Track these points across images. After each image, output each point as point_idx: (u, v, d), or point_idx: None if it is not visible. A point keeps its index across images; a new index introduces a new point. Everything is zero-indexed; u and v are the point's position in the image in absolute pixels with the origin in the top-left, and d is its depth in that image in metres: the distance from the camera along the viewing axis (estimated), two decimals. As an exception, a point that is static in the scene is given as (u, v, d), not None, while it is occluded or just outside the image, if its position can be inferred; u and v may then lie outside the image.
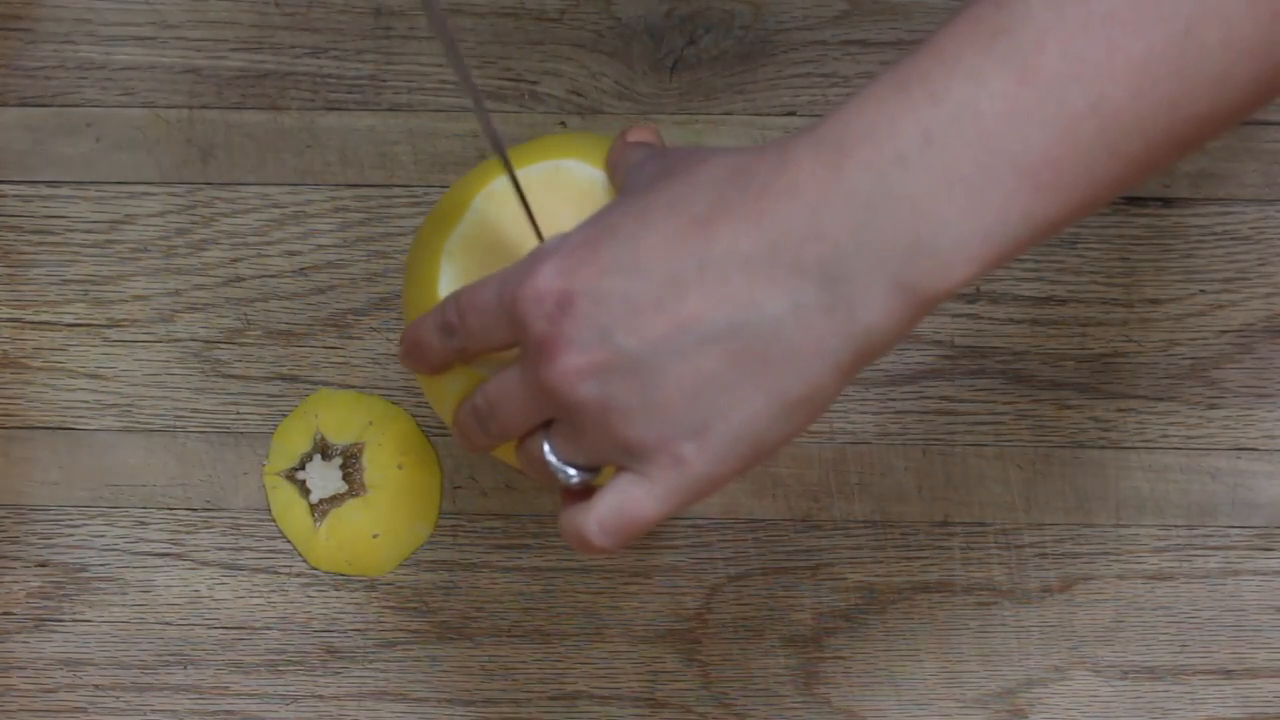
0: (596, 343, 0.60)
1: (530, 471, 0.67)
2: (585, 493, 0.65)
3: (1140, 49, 0.55)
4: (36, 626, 0.90)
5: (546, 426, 0.65)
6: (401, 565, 0.89)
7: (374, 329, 0.89)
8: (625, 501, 0.62)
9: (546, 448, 0.65)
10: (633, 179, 0.66)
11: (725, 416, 0.60)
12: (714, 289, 0.58)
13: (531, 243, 0.70)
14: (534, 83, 0.87)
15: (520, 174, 0.71)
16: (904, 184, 0.56)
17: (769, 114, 0.87)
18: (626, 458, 0.62)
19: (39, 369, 0.90)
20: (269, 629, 0.89)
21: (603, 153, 0.73)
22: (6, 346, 0.90)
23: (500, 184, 0.73)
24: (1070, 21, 0.55)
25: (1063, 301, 0.87)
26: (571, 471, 0.65)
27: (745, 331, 0.59)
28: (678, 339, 0.59)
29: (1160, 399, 0.87)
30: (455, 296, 0.67)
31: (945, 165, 0.56)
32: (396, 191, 0.88)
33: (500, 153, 0.69)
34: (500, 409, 0.66)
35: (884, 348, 0.58)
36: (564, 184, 0.72)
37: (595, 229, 0.62)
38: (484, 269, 0.71)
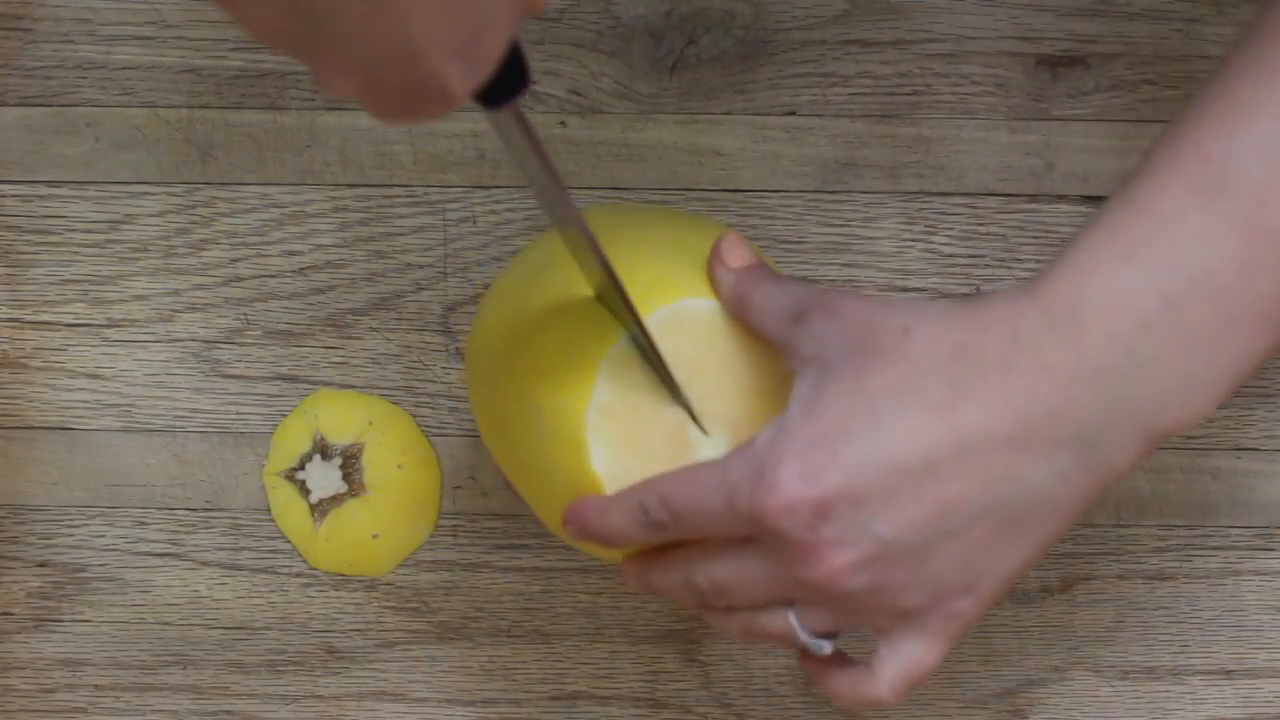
0: (862, 540, 0.61)
1: (755, 640, 0.67)
2: (833, 658, 0.67)
3: None
4: (36, 626, 0.90)
5: (789, 603, 0.65)
6: (401, 565, 0.89)
7: (374, 329, 0.89)
8: (910, 662, 0.65)
9: (796, 625, 0.65)
10: (813, 348, 0.64)
11: (994, 573, 0.63)
12: (976, 472, 0.60)
13: (666, 402, 0.68)
14: (534, 82, 0.87)
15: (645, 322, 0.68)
16: (1149, 349, 0.59)
17: (769, 114, 0.87)
18: (898, 623, 0.64)
19: (39, 369, 0.90)
20: (269, 629, 0.89)
21: (681, 253, 0.70)
22: (6, 346, 0.90)
23: (624, 344, 0.69)
24: None
25: (1063, 301, 0.87)
26: (825, 643, 0.66)
27: (1010, 503, 0.61)
28: (946, 522, 0.61)
29: (1160, 399, 0.87)
30: (660, 494, 0.65)
31: (1187, 327, 0.59)
32: (396, 191, 0.88)
33: (638, 322, 0.67)
34: (734, 593, 0.66)
35: (1124, 478, 0.63)
36: (685, 326, 0.69)
37: (822, 424, 0.62)
38: (629, 435, 0.68)
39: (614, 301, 0.69)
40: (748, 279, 0.68)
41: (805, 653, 0.68)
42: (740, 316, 0.68)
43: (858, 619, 0.65)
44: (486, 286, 0.88)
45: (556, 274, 0.72)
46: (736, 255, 0.69)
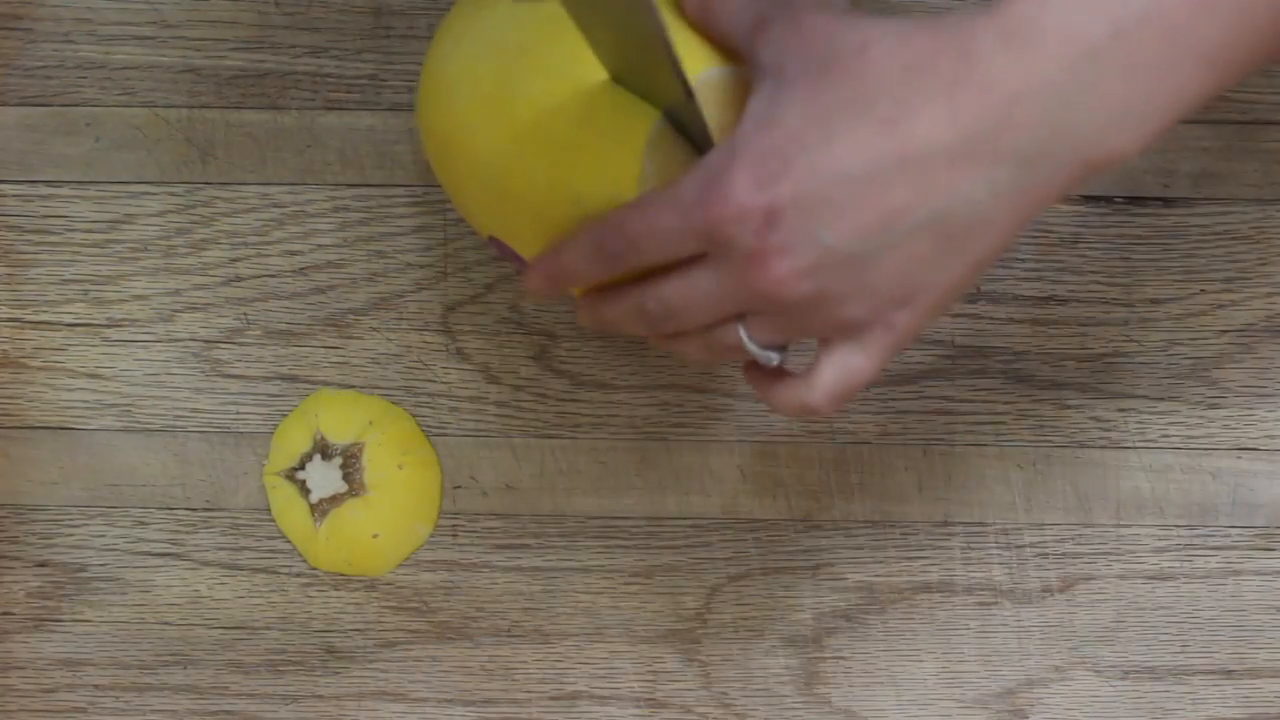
0: (809, 247, 0.63)
1: (705, 355, 0.69)
2: (776, 371, 0.69)
3: None
4: (36, 626, 0.90)
5: (739, 318, 0.67)
6: (401, 565, 0.89)
7: (374, 329, 0.89)
8: (846, 370, 0.67)
9: (745, 336, 0.67)
10: (774, 59, 0.66)
11: (931, 286, 0.65)
12: (917, 182, 0.62)
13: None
14: None
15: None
16: (1094, 76, 0.60)
17: (769, 114, 0.87)
18: (838, 333, 0.66)
19: (39, 369, 0.90)
20: (269, 629, 0.89)
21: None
22: (6, 346, 0.90)
23: (660, 125, 0.69)
24: None
25: (1063, 301, 0.87)
26: (773, 354, 0.68)
27: (948, 216, 0.63)
28: (887, 232, 0.63)
29: (1161, 399, 0.87)
30: (615, 222, 0.67)
31: (1134, 57, 0.60)
32: (396, 191, 0.88)
33: (687, 92, 0.68)
34: (685, 311, 0.67)
35: (1053, 203, 0.65)
36: (712, 95, 0.70)
37: (774, 135, 0.63)
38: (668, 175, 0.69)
39: (641, 79, 0.69)
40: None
41: (750, 366, 0.70)
42: (703, 25, 0.69)
43: (801, 330, 0.67)
44: (488, 287, 0.88)
45: (548, 57, 0.71)
46: None
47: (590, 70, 0.70)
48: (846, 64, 0.63)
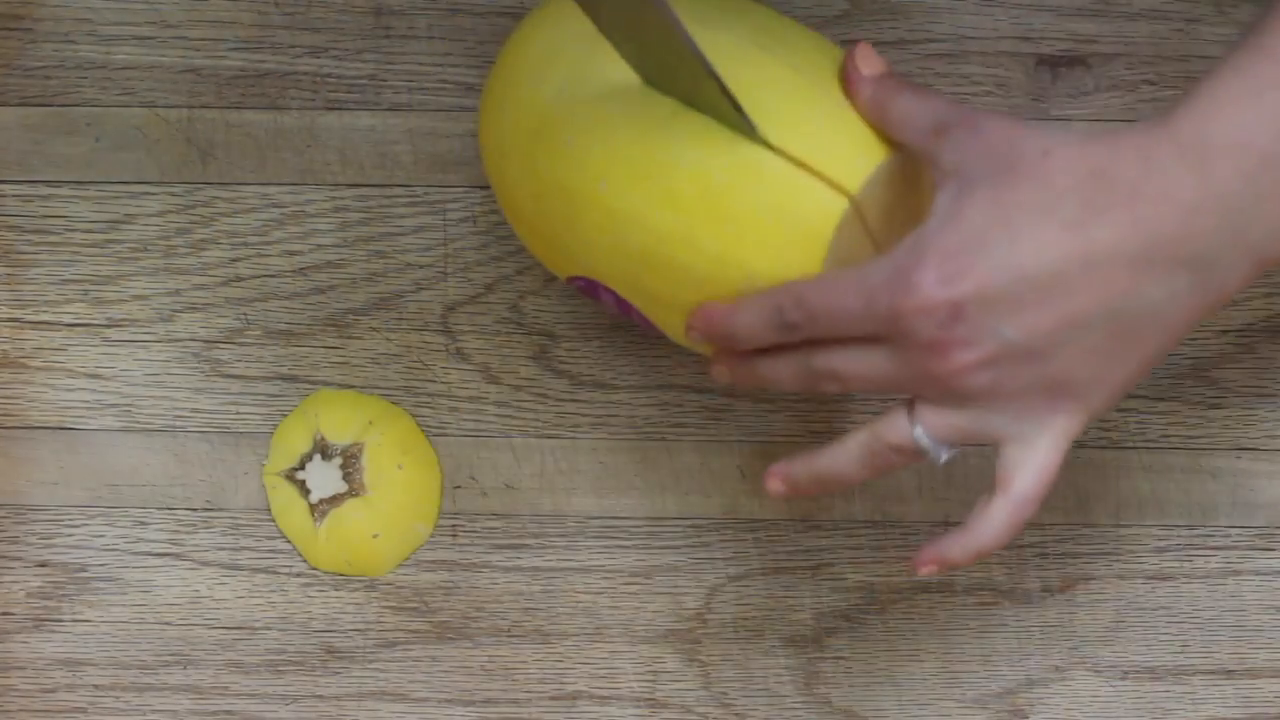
0: (989, 340, 0.66)
1: (867, 460, 0.71)
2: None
3: None
4: (36, 626, 0.90)
5: (909, 408, 0.70)
6: (401, 565, 0.89)
7: (374, 329, 0.89)
8: (1043, 465, 0.69)
9: (917, 429, 0.69)
10: (955, 162, 0.68)
11: (1104, 380, 0.67)
12: (1098, 284, 0.65)
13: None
14: None
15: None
16: (1269, 183, 0.63)
17: (769, 114, 0.87)
18: (1012, 427, 0.68)
19: (39, 369, 0.90)
20: (269, 629, 0.89)
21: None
22: (6, 346, 0.90)
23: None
24: None
25: (1063, 301, 0.87)
26: (944, 449, 0.70)
27: (1127, 316, 0.66)
28: (1068, 330, 0.66)
29: (1161, 399, 0.87)
30: (796, 295, 0.69)
31: None
32: (396, 191, 0.88)
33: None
34: (853, 380, 0.70)
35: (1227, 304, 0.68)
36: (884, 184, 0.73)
37: (960, 234, 0.66)
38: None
39: (670, 80, 0.71)
40: (886, 88, 0.71)
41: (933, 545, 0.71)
42: (879, 126, 0.71)
43: (970, 420, 0.69)
44: (488, 287, 0.88)
45: (704, 126, 0.71)
46: (871, 64, 0.72)
47: (745, 145, 0.71)
48: (1030, 168, 0.66)
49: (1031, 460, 0.69)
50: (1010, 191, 0.66)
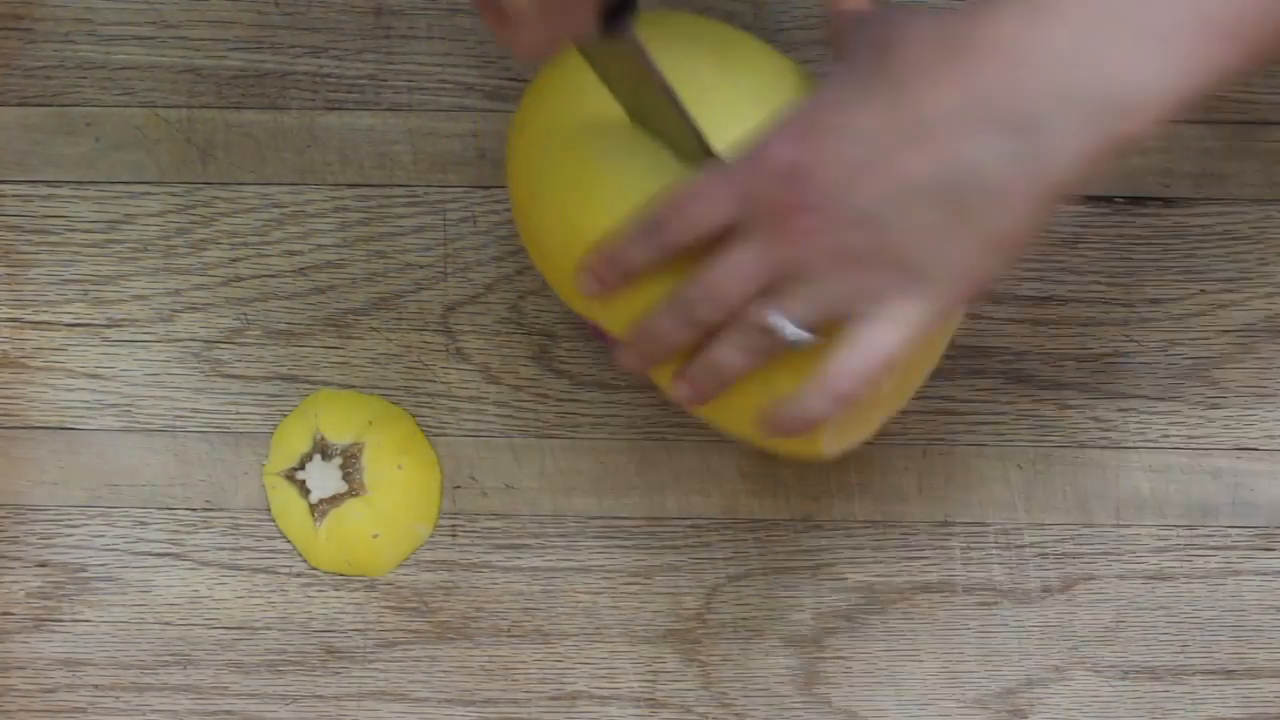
0: (829, 202, 0.66)
1: (744, 358, 0.70)
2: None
3: None
4: (36, 626, 0.90)
5: (764, 297, 0.69)
6: (401, 565, 0.89)
7: (374, 329, 0.89)
8: (868, 343, 0.68)
9: (776, 315, 0.69)
10: (848, 53, 0.70)
11: (949, 259, 0.66)
12: (923, 147, 0.64)
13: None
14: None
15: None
16: (1104, 41, 0.61)
17: (769, 114, 0.87)
18: (861, 302, 0.67)
19: (39, 369, 0.90)
20: (269, 629, 0.89)
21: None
22: (6, 346, 0.90)
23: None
24: None
25: (1063, 301, 0.87)
26: (805, 334, 0.69)
27: (953, 183, 0.64)
28: (896, 195, 0.65)
29: (1161, 399, 0.87)
30: (663, 197, 0.70)
31: (1145, 24, 0.61)
32: (396, 191, 0.88)
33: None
34: (722, 289, 0.69)
35: (1075, 187, 0.64)
36: None
37: (815, 106, 0.67)
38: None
39: (659, 130, 0.74)
40: (843, 13, 0.72)
41: (767, 413, 0.71)
42: (836, 44, 0.73)
43: (827, 299, 0.68)
44: (488, 287, 0.88)
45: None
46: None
47: None
48: (895, 43, 0.66)
49: (869, 330, 0.68)
50: (868, 66, 0.66)
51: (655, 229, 0.70)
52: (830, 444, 0.75)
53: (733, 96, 0.74)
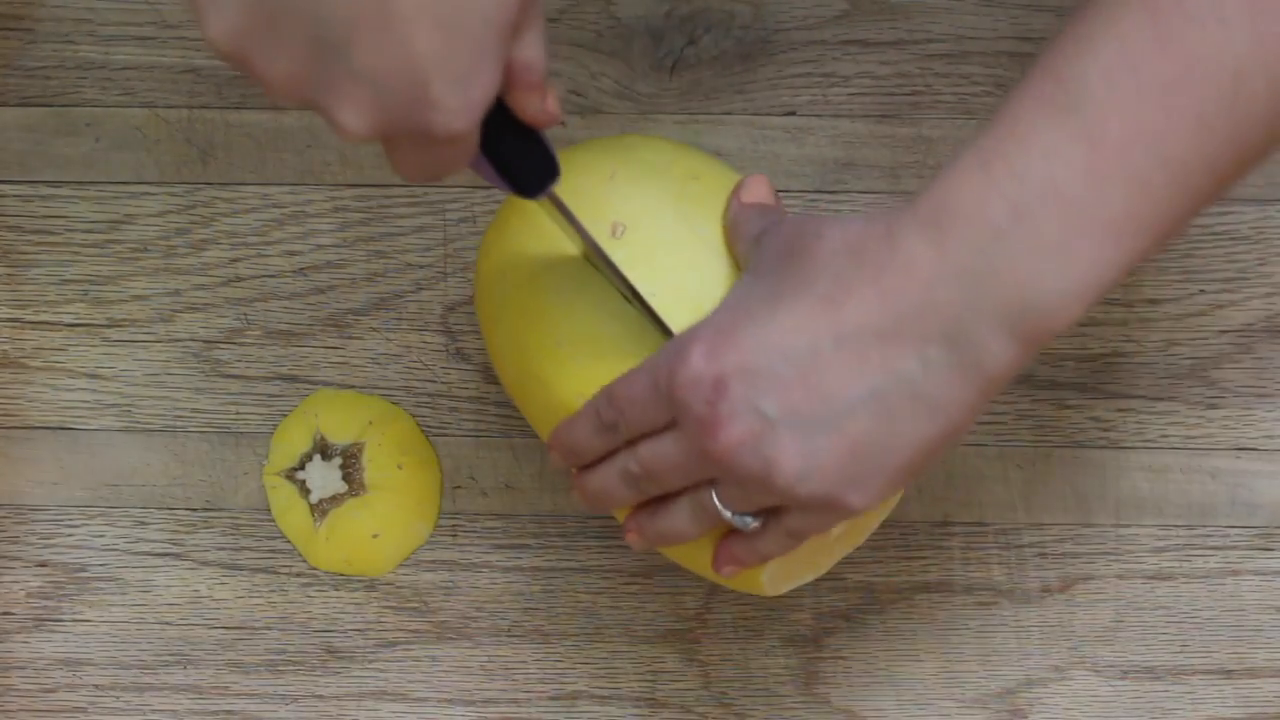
0: (751, 416, 0.66)
1: (695, 527, 0.72)
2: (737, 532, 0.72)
3: (1194, 108, 0.62)
4: (36, 626, 0.90)
5: (710, 483, 0.71)
6: (401, 565, 0.89)
7: (374, 329, 0.89)
8: (793, 538, 0.70)
9: (716, 501, 0.70)
10: (756, 256, 0.70)
11: (880, 467, 0.67)
12: (851, 361, 0.65)
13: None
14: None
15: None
16: (1003, 255, 0.63)
17: (769, 114, 0.87)
18: (795, 505, 0.69)
19: (39, 369, 0.90)
20: (269, 629, 0.89)
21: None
22: (6, 346, 0.90)
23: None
24: (1127, 93, 0.62)
25: (1063, 301, 0.87)
26: (748, 519, 0.71)
27: (885, 394, 0.65)
28: (827, 407, 0.66)
29: (1160, 399, 0.87)
30: (609, 395, 0.71)
31: (1037, 235, 0.63)
32: (396, 191, 0.88)
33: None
34: (660, 473, 0.71)
35: (1006, 382, 0.66)
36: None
37: (732, 314, 0.68)
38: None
39: (603, 270, 0.75)
40: (744, 209, 0.73)
41: (720, 543, 0.74)
42: (729, 238, 0.74)
43: (762, 501, 0.69)
44: (486, 286, 0.88)
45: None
46: (751, 193, 0.74)
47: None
48: (804, 250, 0.67)
49: (790, 530, 0.70)
50: (782, 273, 0.67)
51: (603, 429, 0.72)
52: (774, 584, 0.76)
53: (691, 244, 0.75)
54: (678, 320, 0.73)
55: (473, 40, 0.60)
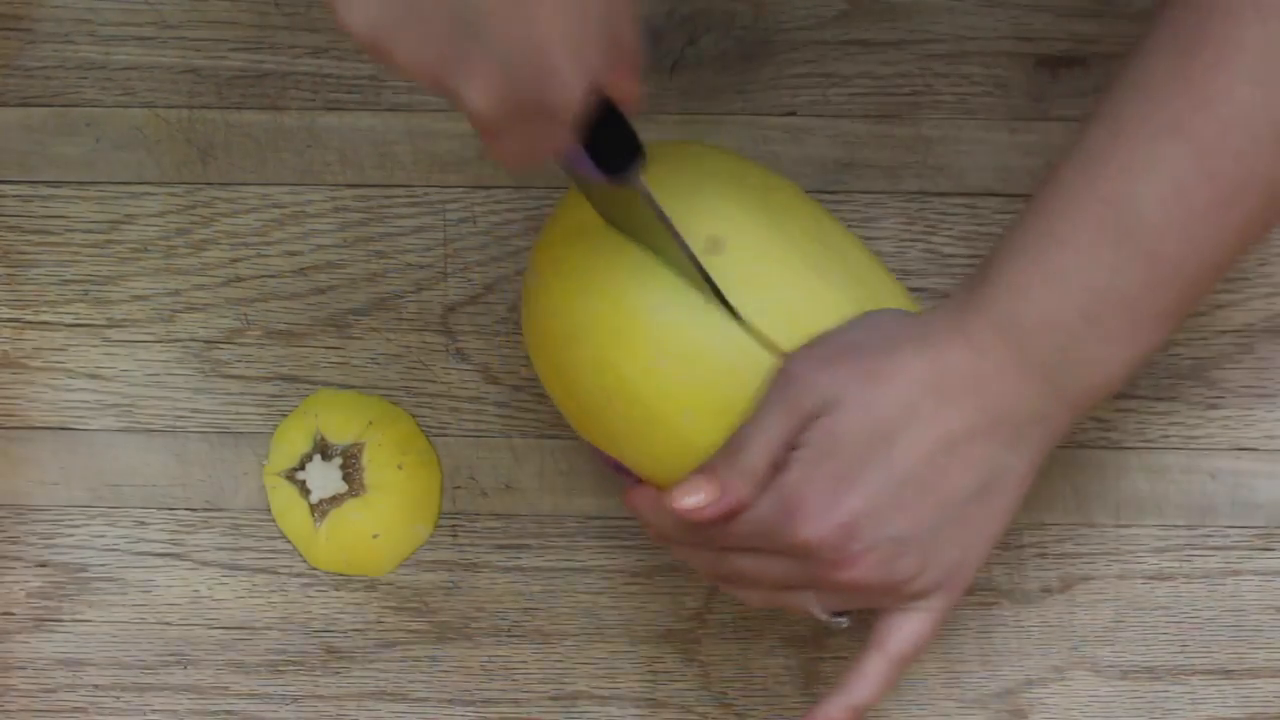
0: (883, 545, 0.73)
1: (770, 606, 0.78)
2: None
3: (1238, 222, 0.72)
4: (37, 626, 0.90)
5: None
6: (401, 565, 0.89)
7: (374, 329, 0.89)
8: (916, 635, 0.76)
9: (816, 609, 0.76)
10: (831, 412, 0.74)
11: (980, 543, 0.75)
12: (964, 463, 0.73)
13: None
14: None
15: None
16: (1077, 351, 0.73)
17: (769, 114, 0.87)
18: (906, 603, 0.76)
19: (39, 369, 0.90)
20: (269, 629, 0.89)
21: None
22: (7, 346, 0.90)
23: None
24: (1179, 217, 0.71)
25: (1063, 301, 0.87)
26: (842, 620, 0.77)
27: (990, 482, 0.74)
28: (946, 510, 0.74)
29: (1160, 399, 0.87)
30: (714, 517, 0.75)
31: (1105, 331, 0.73)
32: (396, 191, 0.88)
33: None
34: (757, 581, 0.76)
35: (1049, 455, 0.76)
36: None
37: (840, 462, 0.73)
38: None
39: (634, 232, 0.77)
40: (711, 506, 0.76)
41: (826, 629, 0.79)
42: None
43: (870, 604, 0.76)
44: (488, 287, 0.88)
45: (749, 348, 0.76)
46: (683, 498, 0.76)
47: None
48: (885, 373, 0.73)
49: (907, 626, 0.76)
50: (875, 400, 0.73)
51: (697, 535, 0.76)
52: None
53: (792, 260, 0.76)
54: (785, 341, 0.75)
55: (590, 15, 0.64)
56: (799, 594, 0.76)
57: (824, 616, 0.76)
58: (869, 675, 0.76)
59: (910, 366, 0.73)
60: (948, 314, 0.74)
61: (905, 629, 0.76)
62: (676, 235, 0.74)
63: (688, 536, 0.77)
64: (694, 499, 0.74)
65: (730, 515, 0.74)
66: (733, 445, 0.74)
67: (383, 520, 0.88)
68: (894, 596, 0.75)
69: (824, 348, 0.74)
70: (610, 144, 0.70)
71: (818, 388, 0.73)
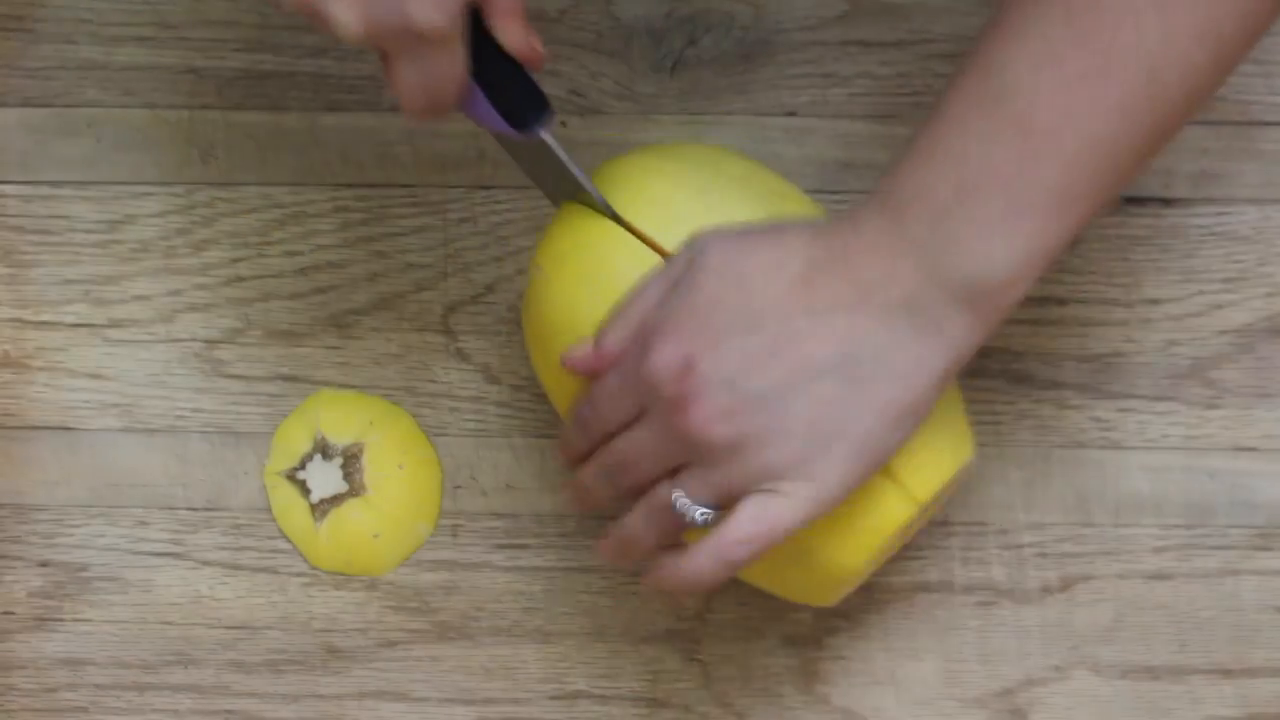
0: (724, 391, 0.71)
1: (650, 531, 0.75)
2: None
3: (1114, 95, 0.67)
4: (38, 626, 0.90)
5: (671, 477, 0.73)
6: (402, 565, 0.89)
7: (374, 329, 0.89)
8: (764, 512, 0.72)
9: (676, 494, 0.73)
10: (698, 259, 0.73)
11: (846, 433, 0.71)
12: (823, 331, 0.70)
13: None
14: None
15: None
16: (950, 230, 0.69)
17: (769, 114, 0.87)
18: (760, 481, 0.71)
19: (40, 369, 0.90)
20: (269, 629, 0.89)
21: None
22: (7, 346, 0.90)
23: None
24: (1051, 83, 0.68)
25: (1063, 301, 0.87)
26: (704, 511, 0.73)
27: (853, 359, 0.70)
28: (798, 376, 0.70)
29: (1160, 399, 0.87)
30: (587, 400, 0.75)
31: (979, 211, 0.69)
32: (396, 191, 0.88)
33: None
34: (633, 463, 0.74)
35: (970, 352, 0.71)
36: None
37: (697, 300, 0.72)
38: None
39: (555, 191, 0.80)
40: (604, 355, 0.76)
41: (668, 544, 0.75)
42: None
43: (728, 480, 0.72)
44: (488, 287, 0.88)
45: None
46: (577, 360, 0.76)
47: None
48: (768, 243, 0.72)
49: (754, 506, 0.72)
50: (746, 263, 0.71)
51: (583, 428, 0.76)
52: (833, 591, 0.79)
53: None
54: None
55: None
56: (663, 486, 0.73)
57: (683, 501, 0.73)
58: (701, 547, 0.73)
59: (789, 237, 0.72)
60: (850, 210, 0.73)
61: (750, 508, 0.72)
62: (587, 181, 0.77)
63: (579, 435, 0.76)
64: (580, 351, 0.75)
65: (607, 364, 0.74)
66: (618, 308, 0.75)
67: (383, 520, 0.88)
68: (746, 471, 0.71)
69: (724, 228, 0.74)
70: (513, 89, 0.73)
71: (696, 246, 0.73)
